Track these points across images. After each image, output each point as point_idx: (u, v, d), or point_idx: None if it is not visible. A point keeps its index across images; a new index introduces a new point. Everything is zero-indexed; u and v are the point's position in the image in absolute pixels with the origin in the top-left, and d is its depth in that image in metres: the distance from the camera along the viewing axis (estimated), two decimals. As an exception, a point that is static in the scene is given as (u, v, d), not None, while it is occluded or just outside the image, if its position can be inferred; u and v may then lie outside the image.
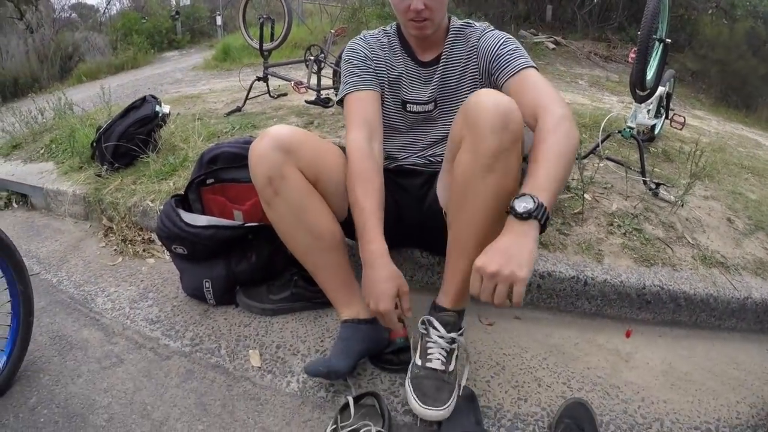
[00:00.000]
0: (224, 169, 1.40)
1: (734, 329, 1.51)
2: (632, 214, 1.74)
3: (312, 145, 1.15)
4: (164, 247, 1.64)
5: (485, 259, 0.86)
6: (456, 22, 1.26)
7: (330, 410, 1.10)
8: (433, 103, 1.27)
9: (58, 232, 2.07)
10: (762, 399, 1.24)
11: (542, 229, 0.88)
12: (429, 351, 1.08)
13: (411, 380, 1.07)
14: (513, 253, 0.85)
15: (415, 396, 1.03)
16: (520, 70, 1.12)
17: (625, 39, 6.56)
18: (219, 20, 8.45)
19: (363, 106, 1.20)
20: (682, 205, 1.85)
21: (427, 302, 1.18)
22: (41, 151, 2.68)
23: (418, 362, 1.08)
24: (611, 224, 1.68)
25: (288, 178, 1.09)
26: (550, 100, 1.04)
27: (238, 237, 1.34)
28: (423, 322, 1.12)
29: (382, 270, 1.05)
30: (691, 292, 1.45)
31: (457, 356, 1.10)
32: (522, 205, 0.87)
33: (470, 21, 1.26)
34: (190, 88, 4.30)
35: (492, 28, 1.24)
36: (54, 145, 2.67)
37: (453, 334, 1.09)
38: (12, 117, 3.08)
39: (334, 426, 0.95)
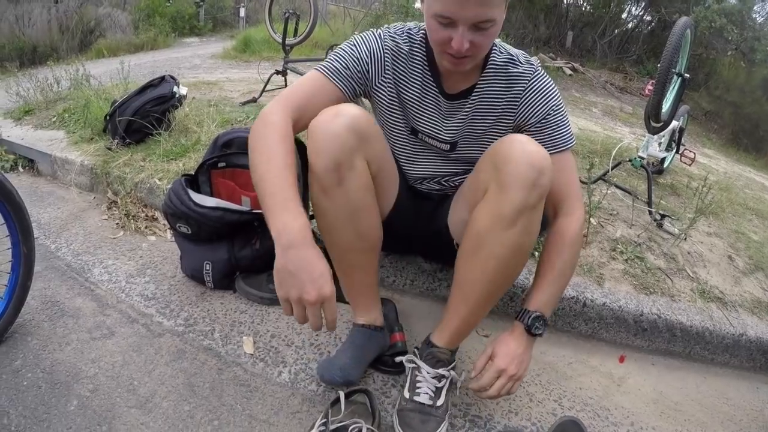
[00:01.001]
0: (237, 154, 1.40)
1: (726, 365, 1.51)
2: (635, 242, 1.75)
3: (380, 136, 1.06)
4: (168, 225, 1.64)
5: (508, 362, 0.98)
6: (499, 52, 1.06)
7: (320, 404, 1.09)
8: (450, 145, 1.13)
9: (61, 200, 2.07)
10: None
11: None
12: (418, 385, 1.05)
13: (398, 412, 1.05)
14: (524, 360, 1.00)
15: (400, 428, 1.01)
16: (560, 151, 1.04)
17: (641, 72, 6.63)
18: (242, 12, 8.51)
19: (312, 92, 1.02)
20: (686, 239, 1.86)
21: (426, 308, 1.18)
22: (53, 119, 2.69)
23: (406, 395, 1.05)
24: (614, 250, 1.68)
25: (356, 168, 0.96)
26: (576, 197, 1.05)
27: (245, 222, 1.34)
28: (414, 355, 1.10)
29: (312, 248, 0.83)
30: (688, 323, 1.46)
31: (447, 389, 1.06)
32: (537, 326, 1.00)
33: (515, 55, 1.06)
34: (208, 75, 4.31)
35: (541, 73, 1.06)
36: (67, 115, 2.68)
37: (442, 371, 1.06)
38: (28, 83, 3.08)
39: (324, 420, 0.94)
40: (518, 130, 1.08)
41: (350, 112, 0.95)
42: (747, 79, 5.87)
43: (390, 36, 1.07)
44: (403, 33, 1.07)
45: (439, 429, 1.01)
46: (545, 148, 0.95)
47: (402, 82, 1.08)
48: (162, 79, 2.32)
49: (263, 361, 1.21)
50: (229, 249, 1.36)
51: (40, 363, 1.14)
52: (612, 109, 5.21)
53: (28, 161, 2.44)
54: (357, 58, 1.05)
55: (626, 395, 1.28)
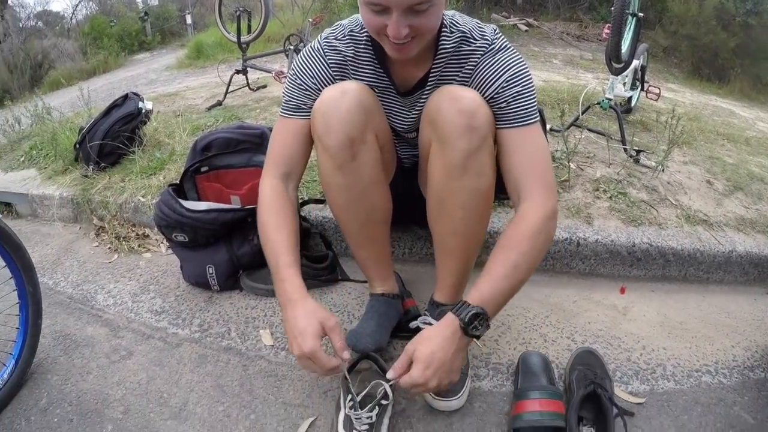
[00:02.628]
0: (218, 156, 1.41)
1: (722, 282, 1.58)
2: (616, 179, 1.81)
3: (381, 108, 1.05)
4: (163, 237, 1.63)
5: (428, 375, 0.85)
6: (450, 32, 0.98)
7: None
8: (416, 132, 1.11)
9: (47, 237, 2.02)
10: (755, 343, 1.31)
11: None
12: None
13: None
14: (452, 368, 0.88)
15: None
16: (516, 126, 0.95)
17: (596, 18, 6.69)
18: (189, 19, 8.32)
19: (288, 142, 1.05)
20: (663, 170, 1.93)
21: (428, 272, 1.21)
22: (21, 159, 2.61)
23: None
24: (597, 189, 1.74)
25: (368, 143, 0.98)
26: (540, 185, 0.93)
27: (239, 220, 1.35)
28: (424, 316, 1.09)
29: (300, 307, 0.91)
30: (679, 247, 1.52)
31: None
32: (476, 326, 0.87)
33: (468, 30, 0.98)
34: (166, 87, 4.25)
35: (495, 47, 0.97)
36: (34, 152, 2.60)
37: None
38: None
39: (348, 396, 0.96)
40: None
41: (354, 87, 0.96)
42: (699, 11, 5.93)
43: (330, 47, 1.03)
44: (344, 37, 1.03)
45: (464, 385, 1.05)
46: (503, 122, 0.95)
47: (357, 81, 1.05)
48: (125, 97, 2.28)
49: (284, 349, 1.23)
50: (228, 249, 1.37)
51: (66, 397, 1.14)
52: (572, 58, 5.27)
53: (5, 205, 2.36)
54: (306, 89, 1.03)
55: (633, 322, 1.34)
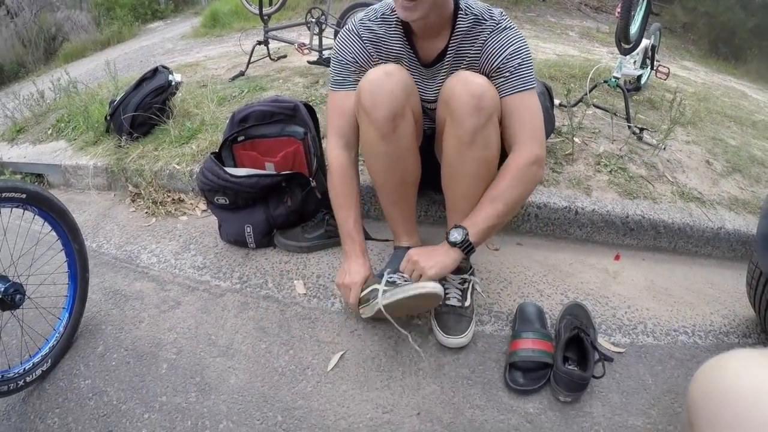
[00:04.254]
0: (254, 126, 1.54)
1: (710, 256, 1.70)
2: (618, 155, 1.92)
3: (416, 89, 1.22)
4: (200, 201, 1.78)
5: (417, 253, 1.15)
6: (465, 14, 1.16)
7: (371, 322, 1.29)
8: (435, 104, 1.27)
9: (83, 205, 2.14)
10: (734, 312, 1.44)
11: (467, 253, 1.14)
12: (446, 292, 1.25)
13: (435, 316, 1.27)
14: (434, 260, 1.12)
15: (439, 329, 1.24)
16: (516, 92, 1.14)
17: (615, -11, 6.56)
18: (202, -14, 8.24)
19: (341, 112, 1.25)
20: (664, 148, 2.02)
21: (440, 233, 1.35)
22: (49, 132, 2.70)
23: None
24: (598, 164, 1.86)
25: (407, 118, 1.17)
26: (530, 137, 1.13)
27: (276, 184, 1.51)
28: None
29: (357, 261, 1.23)
30: (670, 221, 1.65)
31: (471, 292, 1.29)
32: (454, 236, 1.12)
33: (479, 13, 1.16)
34: (185, 57, 4.29)
35: (501, 26, 1.15)
36: (62, 124, 2.69)
37: (464, 275, 1.27)
38: (11, 102, 3.05)
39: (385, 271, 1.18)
40: (486, 75, 1.20)
41: (397, 71, 1.15)
42: None
43: (364, 27, 1.23)
44: (377, 18, 1.22)
45: (470, 326, 1.24)
46: (503, 90, 1.13)
47: (389, 60, 1.24)
48: (155, 71, 2.38)
49: (316, 297, 1.41)
50: (265, 210, 1.53)
51: (122, 343, 1.29)
52: (589, 31, 5.24)
53: (36, 177, 2.47)
54: (347, 63, 1.25)
55: (621, 285, 1.50)
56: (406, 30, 1.20)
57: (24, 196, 1.11)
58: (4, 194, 1.07)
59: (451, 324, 1.23)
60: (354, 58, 1.24)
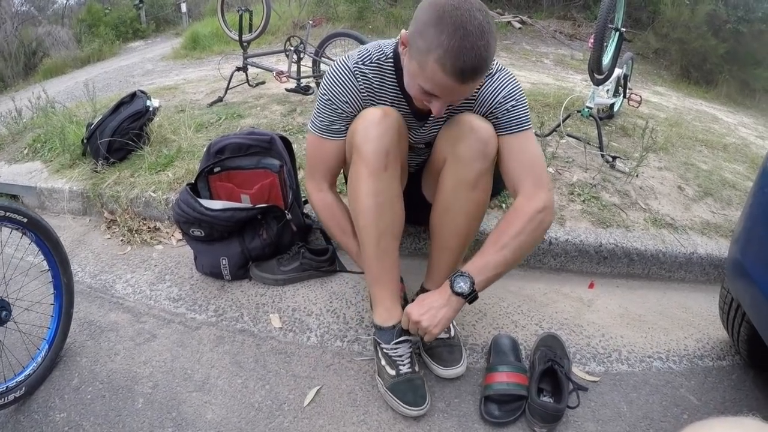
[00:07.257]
0: (231, 158, 1.55)
1: (684, 280, 1.74)
2: (591, 184, 1.98)
3: (407, 137, 1.22)
4: (175, 231, 1.76)
5: (417, 311, 1.10)
6: None
7: (347, 356, 1.30)
8: (425, 145, 1.29)
9: (58, 229, 2.00)
10: (707, 335, 1.47)
11: (471, 303, 1.10)
12: None
13: (427, 351, 1.27)
14: (438, 317, 1.08)
15: (434, 363, 1.24)
16: (514, 132, 1.13)
17: (590, 17, 6.77)
18: (183, 7, 8.28)
19: (321, 160, 1.24)
20: (636, 176, 2.09)
21: (417, 266, 1.38)
22: (25, 151, 2.63)
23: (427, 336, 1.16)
24: (572, 193, 1.91)
25: (398, 159, 1.15)
26: (535, 179, 1.11)
27: (251, 217, 1.50)
28: None
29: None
30: (642, 248, 1.70)
31: (453, 323, 1.29)
32: (460, 285, 1.07)
33: None
34: (164, 79, 4.28)
35: (495, 67, 1.14)
36: (38, 144, 2.62)
37: None
38: None
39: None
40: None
41: (394, 114, 1.13)
42: (691, 16, 6.03)
43: (360, 71, 1.15)
44: (371, 63, 1.15)
45: (462, 354, 1.26)
46: (502, 130, 1.13)
47: (380, 100, 1.19)
48: (133, 95, 2.37)
49: (292, 331, 1.40)
50: (240, 243, 1.52)
51: (97, 376, 1.26)
52: (563, 58, 5.41)
53: (11, 197, 2.38)
54: (341, 112, 1.17)
55: (596, 313, 1.52)
56: (400, 81, 1.15)
57: (25, 220, 1.16)
58: (8, 214, 1.11)
59: (444, 356, 1.24)
60: (349, 108, 1.17)
